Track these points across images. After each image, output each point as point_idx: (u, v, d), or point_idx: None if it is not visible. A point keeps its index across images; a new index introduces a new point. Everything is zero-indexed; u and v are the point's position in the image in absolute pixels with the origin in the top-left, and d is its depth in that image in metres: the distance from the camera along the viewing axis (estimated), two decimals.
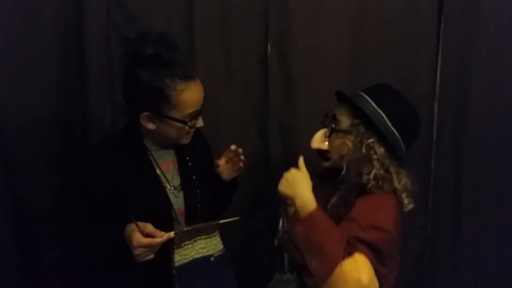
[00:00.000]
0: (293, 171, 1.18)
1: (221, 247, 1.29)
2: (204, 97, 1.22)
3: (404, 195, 1.20)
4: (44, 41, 1.59)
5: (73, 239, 1.38)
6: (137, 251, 1.08)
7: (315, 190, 1.17)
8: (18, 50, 1.57)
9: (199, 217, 1.28)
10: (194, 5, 1.62)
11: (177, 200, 1.28)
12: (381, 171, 1.17)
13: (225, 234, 1.31)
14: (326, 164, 1.27)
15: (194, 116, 1.21)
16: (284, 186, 1.18)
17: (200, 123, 1.24)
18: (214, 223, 1.26)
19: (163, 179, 1.26)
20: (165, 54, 1.14)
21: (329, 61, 1.68)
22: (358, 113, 1.19)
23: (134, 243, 1.08)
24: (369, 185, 1.17)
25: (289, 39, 1.66)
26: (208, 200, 1.34)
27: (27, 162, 1.62)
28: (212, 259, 1.26)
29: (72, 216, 1.36)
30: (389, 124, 1.16)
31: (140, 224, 1.10)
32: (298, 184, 1.16)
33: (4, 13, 1.54)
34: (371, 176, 1.17)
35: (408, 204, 1.21)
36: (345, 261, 1.08)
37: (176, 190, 1.28)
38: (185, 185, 1.30)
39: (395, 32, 1.68)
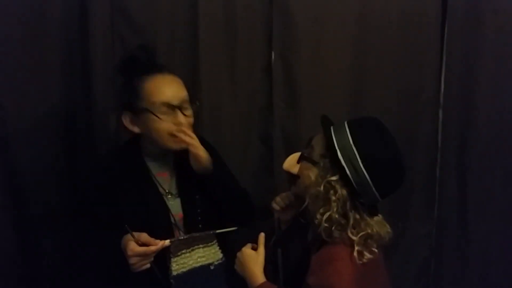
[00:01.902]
0: (244, 251, 1.20)
1: (221, 255, 1.30)
2: (190, 92, 1.27)
3: (358, 248, 1.04)
4: (48, 50, 1.60)
5: (74, 247, 1.41)
6: (132, 260, 1.09)
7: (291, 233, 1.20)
8: (22, 59, 1.57)
9: (200, 223, 1.29)
10: (199, 13, 1.63)
11: (176, 207, 1.29)
12: (337, 216, 1.04)
13: (229, 243, 1.31)
14: (293, 189, 1.18)
15: (166, 108, 1.22)
16: (237, 266, 1.21)
17: (178, 118, 1.23)
18: (211, 232, 1.26)
19: (160, 187, 1.29)
20: (141, 57, 1.24)
21: (333, 69, 1.67)
22: (332, 146, 1.06)
23: (129, 252, 1.09)
24: (320, 228, 1.06)
25: (293, 47, 1.66)
26: (210, 207, 1.33)
27: (29, 167, 1.63)
28: (212, 267, 1.27)
29: (74, 220, 1.37)
30: (360, 163, 1.02)
31: (135, 233, 1.11)
32: (248, 263, 1.18)
33: (9, 20, 1.55)
34: (324, 217, 1.04)
35: (361, 256, 1.04)
36: None
37: (173, 197, 1.30)
38: (183, 192, 1.31)
39: (399, 39, 1.67)
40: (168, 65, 1.32)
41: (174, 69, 1.62)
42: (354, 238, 1.05)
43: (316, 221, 1.07)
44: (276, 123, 1.72)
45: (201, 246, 1.25)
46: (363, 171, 1.03)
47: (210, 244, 1.28)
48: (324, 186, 1.05)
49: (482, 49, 1.67)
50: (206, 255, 1.27)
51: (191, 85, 1.66)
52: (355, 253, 1.04)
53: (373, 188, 1.04)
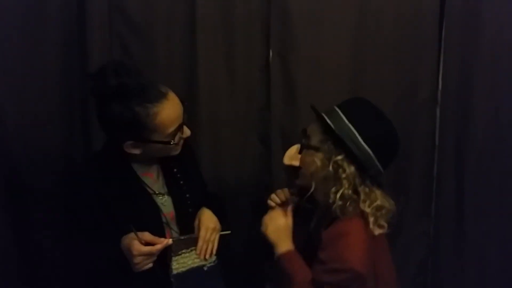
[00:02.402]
0: (276, 216, 1.24)
1: (214, 258, 1.30)
2: (184, 103, 1.21)
3: (372, 219, 1.12)
4: (46, 49, 1.59)
5: (72, 248, 1.38)
6: (137, 260, 1.10)
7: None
8: (20, 59, 1.56)
9: (192, 222, 1.29)
10: (196, 12, 1.62)
11: (166, 206, 1.27)
12: (350, 191, 1.11)
13: (226, 242, 1.32)
14: (297, 181, 1.22)
15: (177, 131, 1.19)
16: (266, 229, 1.25)
17: (186, 132, 1.23)
18: None
19: (148, 188, 1.26)
20: (129, 83, 1.12)
21: (331, 68, 1.68)
22: (329, 129, 1.12)
23: (135, 252, 1.09)
24: (334, 206, 1.12)
25: (291, 46, 1.66)
26: (201, 205, 1.33)
27: (29, 167, 1.62)
28: (205, 269, 1.28)
29: (71, 223, 1.35)
30: (360, 140, 1.10)
31: (139, 233, 1.11)
32: (279, 228, 1.23)
33: (7, 20, 1.54)
34: (338, 196, 1.11)
35: (377, 228, 1.13)
36: None
37: (163, 196, 1.28)
38: (173, 190, 1.29)
39: (397, 38, 1.68)
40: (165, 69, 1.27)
41: (172, 68, 1.66)
42: (367, 210, 1.12)
43: (330, 200, 1.12)
44: (274, 122, 1.72)
45: (195, 248, 1.25)
46: (364, 147, 1.10)
47: None
48: (332, 167, 1.12)
49: (479, 48, 1.68)
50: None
51: (189, 85, 1.67)
52: (370, 225, 1.11)
53: (376, 161, 1.12)
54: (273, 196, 1.31)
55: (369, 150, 1.10)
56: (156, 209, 1.25)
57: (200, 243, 1.23)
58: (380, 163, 1.13)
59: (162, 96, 1.16)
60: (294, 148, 1.21)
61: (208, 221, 1.27)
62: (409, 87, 1.71)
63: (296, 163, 1.19)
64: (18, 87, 1.58)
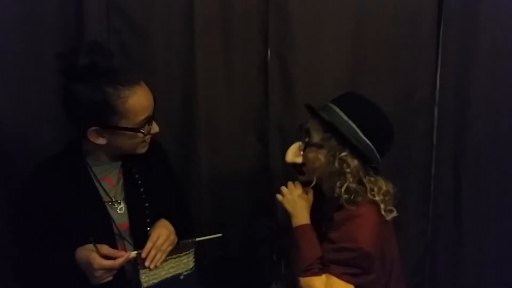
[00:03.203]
0: (296, 190, 1.25)
1: (192, 265, 1.26)
2: (155, 100, 1.17)
3: (382, 206, 1.17)
4: (43, 47, 1.58)
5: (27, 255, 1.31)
6: (98, 274, 1.07)
7: None
8: (17, 56, 1.56)
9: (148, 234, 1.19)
10: (195, 11, 1.62)
11: (121, 216, 1.20)
12: (354, 184, 1.16)
13: (224, 241, 1.30)
14: (301, 178, 1.26)
15: (146, 122, 1.15)
16: (285, 200, 1.25)
17: (155, 128, 1.19)
18: (190, 241, 1.23)
19: (103, 193, 1.19)
20: (101, 62, 1.07)
21: (329, 67, 1.67)
22: (329, 126, 1.16)
23: (96, 266, 1.06)
24: (341, 199, 1.16)
25: (289, 45, 1.65)
26: (161, 215, 1.24)
27: (29, 167, 1.61)
28: (181, 277, 1.23)
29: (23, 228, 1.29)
30: (360, 134, 1.15)
31: (98, 245, 1.08)
32: (298, 202, 1.24)
33: (6, 19, 1.54)
34: (343, 189, 1.15)
35: (388, 213, 1.17)
36: (316, 279, 1.13)
37: (118, 205, 1.20)
38: (130, 199, 1.21)
39: (396, 38, 1.67)
40: (164, 63, 1.25)
41: (170, 67, 1.65)
42: (376, 198, 1.16)
43: (336, 195, 1.17)
44: (272, 120, 1.72)
45: (174, 256, 1.20)
46: (365, 140, 1.15)
47: (185, 253, 1.24)
48: (338, 163, 1.16)
49: (477, 48, 1.68)
50: (177, 265, 1.22)
51: (187, 83, 1.67)
52: (382, 211, 1.16)
53: (375, 152, 1.17)
54: (283, 187, 1.31)
55: (369, 142, 1.15)
56: (108, 220, 1.17)
57: (148, 249, 1.13)
58: (379, 153, 1.18)
59: (134, 81, 1.11)
60: (296, 146, 1.24)
61: (162, 228, 1.18)
62: (407, 87, 1.71)
63: (299, 160, 1.23)
64: (16, 86, 1.58)
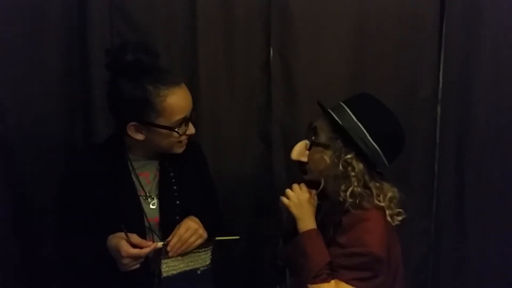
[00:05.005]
0: (302, 193, 1.22)
1: (208, 261, 1.29)
2: (193, 103, 1.21)
3: (388, 212, 1.15)
4: (47, 49, 1.60)
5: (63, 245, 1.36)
6: (125, 261, 1.11)
7: None
8: (21, 58, 1.57)
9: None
10: (197, 11, 1.62)
11: (153, 210, 1.25)
12: (359, 189, 1.13)
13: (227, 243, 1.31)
14: (305, 177, 1.23)
15: (183, 122, 1.18)
16: (290, 203, 1.21)
17: (191, 129, 1.22)
18: (211, 239, 1.26)
19: (139, 187, 1.24)
20: (145, 60, 1.13)
21: (331, 66, 1.68)
22: (338, 126, 1.13)
23: (123, 254, 1.10)
24: (346, 204, 1.13)
25: (292, 45, 1.66)
26: (191, 214, 1.27)
27: (29, 166, 1.63)
28: (198, 272, 1.27)
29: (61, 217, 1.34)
30: (369, 138, 1.11)
31: (128, 234, 1.12)
32: (305, 205, 1.20)
33: (8, 19, 1.55)
34: (348, 193, 1.12)
35: (395, 218, 1.16)
36: (325, 286, 1.11)
37: (151, 200, 1.25)
38: (162, 195, 1.26)
39: (398, 37, 1.67)
40: (172, 69, 1.26)
41: (172, 67, 1.65)
42: (382, 204, 1.14)
43: (341, 198, 1.14)
44: (275, 120, 1.72)
45: (194, 251, 1.23)
46: (373, 145, 1.11)
47: (204, 249, 1.27)
48: (342, 165, 1.12)
49: (479, 46, 1.68)
50: (195, 260, 1.26)
51: (190, 83, 1.67)
52: (388, 218, 1.14)
53: (382, 157, 1.13)
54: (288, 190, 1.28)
55: (377, 147, 1.12)
56: (140, 213, 1.22)
57: (175, 239, 1.17)
58: (386, 158, 1.15)
59: (175, 82, 1.17)
60: (303, 144, 1.21)
61: (191, 222, 1.21)
62: (410, 85, 1.71)
63: (304, 159, 1.20)
64: (19, 85, 1.59)
